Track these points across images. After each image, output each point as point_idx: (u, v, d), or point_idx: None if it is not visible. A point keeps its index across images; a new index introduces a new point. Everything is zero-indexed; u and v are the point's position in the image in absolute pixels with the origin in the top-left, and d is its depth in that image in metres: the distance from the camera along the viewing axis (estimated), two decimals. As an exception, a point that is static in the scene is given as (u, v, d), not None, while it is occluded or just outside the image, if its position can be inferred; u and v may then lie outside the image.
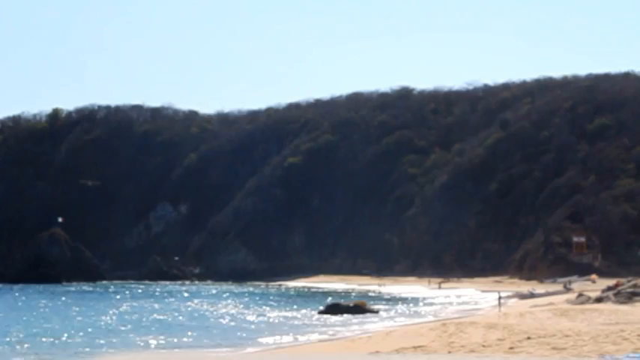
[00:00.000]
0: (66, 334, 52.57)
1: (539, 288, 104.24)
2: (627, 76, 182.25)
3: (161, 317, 70.97)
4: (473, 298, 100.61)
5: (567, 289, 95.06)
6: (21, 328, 57.70)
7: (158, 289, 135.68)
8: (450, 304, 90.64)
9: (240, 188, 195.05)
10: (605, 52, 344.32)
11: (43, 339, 49.97)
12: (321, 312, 75.09)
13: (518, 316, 54.52)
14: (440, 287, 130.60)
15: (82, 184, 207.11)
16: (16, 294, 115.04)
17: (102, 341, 48.70)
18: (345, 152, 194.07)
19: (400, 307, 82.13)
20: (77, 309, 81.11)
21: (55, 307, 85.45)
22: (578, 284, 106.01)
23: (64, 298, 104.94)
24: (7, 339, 49.24)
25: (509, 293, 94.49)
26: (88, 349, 44.34)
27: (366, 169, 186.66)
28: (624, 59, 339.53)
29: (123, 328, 58.84)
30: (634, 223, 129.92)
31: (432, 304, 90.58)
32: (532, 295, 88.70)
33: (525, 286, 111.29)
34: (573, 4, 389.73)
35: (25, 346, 45.98)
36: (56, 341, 48.97)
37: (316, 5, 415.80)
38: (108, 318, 69.09)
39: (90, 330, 56.55)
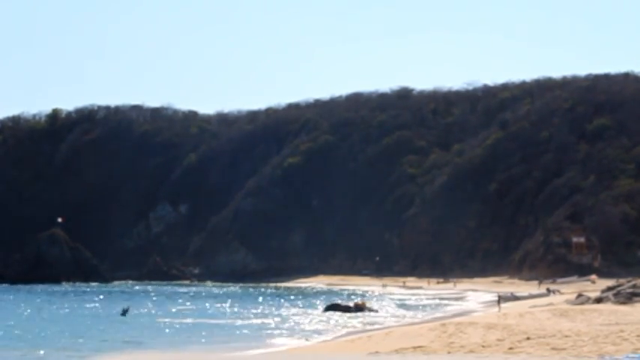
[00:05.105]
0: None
1: (536, 289, 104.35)
2: (627, 77, 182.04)
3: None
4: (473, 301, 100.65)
5: (550, 292, 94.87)
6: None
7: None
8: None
9: (239, 188, 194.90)
10: (604, 52, 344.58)
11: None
12: (320, 312, 75.14)
13: (518, 317, 54.46)
14: (455, 286, 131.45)
15: (83, 184, 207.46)
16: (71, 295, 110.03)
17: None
18: (345, 152, 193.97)
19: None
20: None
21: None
22: (577, 285, 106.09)
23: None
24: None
25: (494, 296, 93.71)
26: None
27: (365, 169, 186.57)
28: (624, 59, 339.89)
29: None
30: (633, 224, 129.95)
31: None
32: (515, 298, 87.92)
33: (526, 287, 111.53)
34: (573, 5, 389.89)
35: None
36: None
37: (316, 6, 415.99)
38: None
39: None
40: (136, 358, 40.96)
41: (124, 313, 68.87)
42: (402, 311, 79.55)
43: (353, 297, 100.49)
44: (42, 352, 43.01)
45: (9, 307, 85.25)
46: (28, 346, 45.77)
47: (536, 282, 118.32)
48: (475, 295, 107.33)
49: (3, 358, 41.57)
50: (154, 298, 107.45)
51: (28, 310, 79.86)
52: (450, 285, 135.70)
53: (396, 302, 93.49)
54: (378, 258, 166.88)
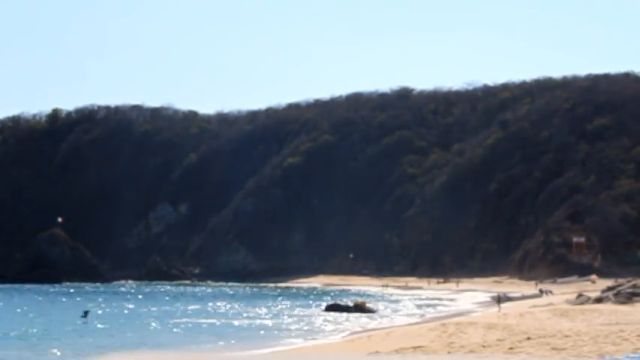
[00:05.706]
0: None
1: (534, 289, 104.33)
2: (627, 77, 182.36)
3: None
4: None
5: (542, 293, 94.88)
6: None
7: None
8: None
9: (240, 188, 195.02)
10: (604, 52, 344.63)
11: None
12: (320, 312, 75.19)
13: (518, 317, 54.45)
14: (457, 286, 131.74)
15: (84, 184, 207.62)
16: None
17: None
18: (345, 152, 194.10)
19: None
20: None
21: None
22: (578, 284, 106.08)
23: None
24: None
25: (487, 297, 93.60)
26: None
27: (365, 169, 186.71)
28: (624, 59, 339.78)
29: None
30: (633, 224, 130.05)
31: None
32: (507, 299, 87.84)
33: (526, 287, 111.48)
34: (573, 5, 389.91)
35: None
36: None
37: (316, 6, 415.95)
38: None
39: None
40: (140, 358, 41.02)
41: (85, 315, 67.81)
42: (403, 311, 79.59)
43: (367, 298, 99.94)
44: (55, 350, 43.05)
45: (13, 307, 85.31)
46: (32, 346, 45.87)
47: (535, 282, 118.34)
48: (470, 296, 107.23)
49: (13, 357, 41.58)
50: (158, 299, 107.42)
51: (28, 309, 80.00)
52: (450, 285, 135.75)
53: (415, 303, 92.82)
54: (352, 255, 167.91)
